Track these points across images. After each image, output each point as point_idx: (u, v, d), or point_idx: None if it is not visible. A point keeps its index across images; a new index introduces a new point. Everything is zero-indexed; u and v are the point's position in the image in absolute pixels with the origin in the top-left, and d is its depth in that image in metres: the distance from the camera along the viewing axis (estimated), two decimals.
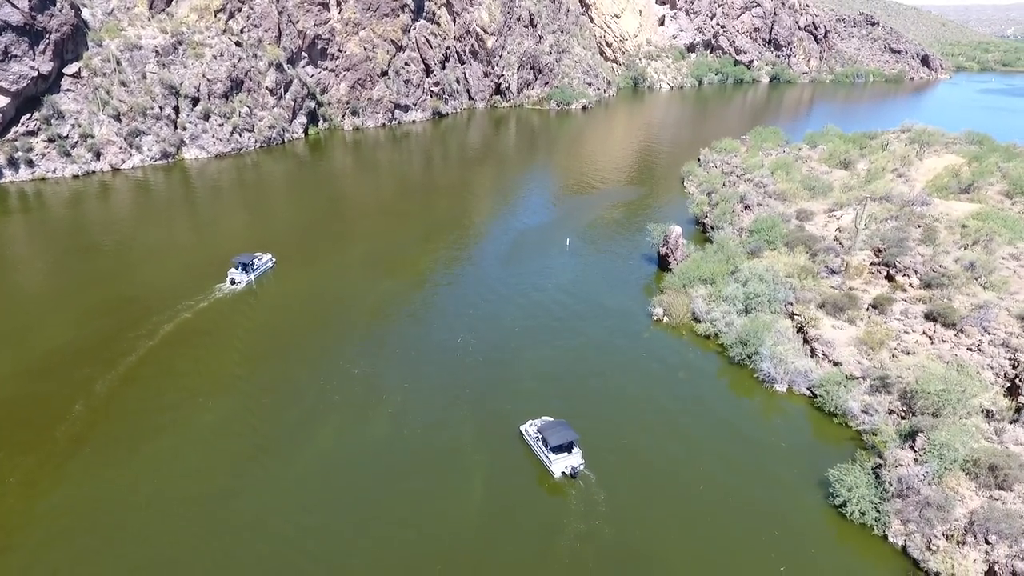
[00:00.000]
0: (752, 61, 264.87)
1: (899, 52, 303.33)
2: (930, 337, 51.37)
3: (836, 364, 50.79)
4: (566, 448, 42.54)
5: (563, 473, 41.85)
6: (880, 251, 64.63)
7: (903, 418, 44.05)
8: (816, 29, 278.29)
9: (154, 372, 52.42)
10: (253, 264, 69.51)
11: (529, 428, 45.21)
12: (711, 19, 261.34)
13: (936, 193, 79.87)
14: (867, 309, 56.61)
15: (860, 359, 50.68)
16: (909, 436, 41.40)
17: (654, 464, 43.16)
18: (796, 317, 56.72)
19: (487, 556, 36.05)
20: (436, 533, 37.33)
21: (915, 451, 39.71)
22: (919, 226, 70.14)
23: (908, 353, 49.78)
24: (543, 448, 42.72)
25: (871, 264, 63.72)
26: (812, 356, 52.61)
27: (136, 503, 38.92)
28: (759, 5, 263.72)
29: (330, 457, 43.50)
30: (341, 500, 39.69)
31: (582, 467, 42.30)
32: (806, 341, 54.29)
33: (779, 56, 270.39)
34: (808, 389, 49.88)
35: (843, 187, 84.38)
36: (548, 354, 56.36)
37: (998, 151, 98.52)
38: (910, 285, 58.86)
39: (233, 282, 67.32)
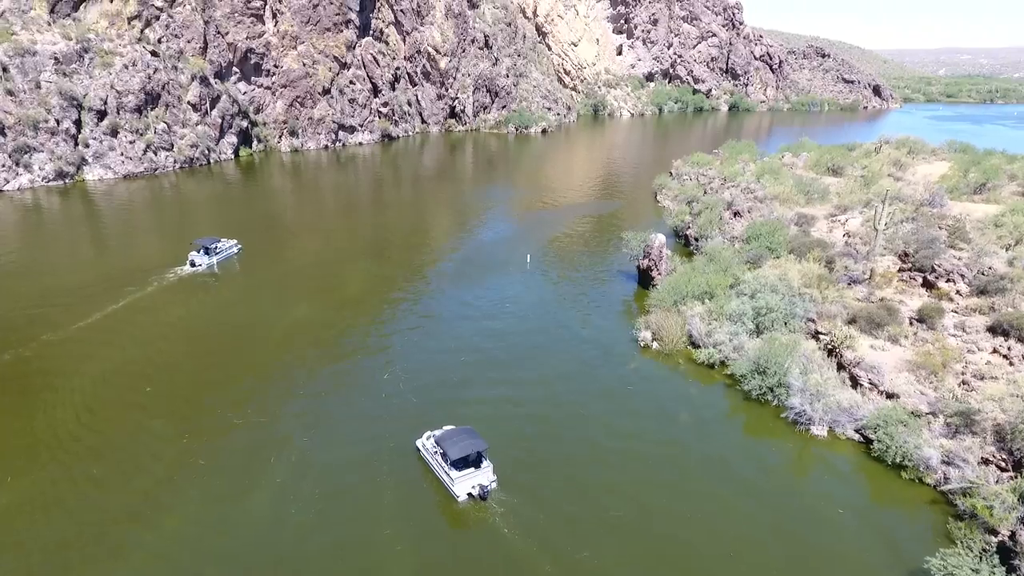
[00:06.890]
0: (711, 89, 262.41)
1: (851, 82, 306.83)
2: (1006, 356, 39.30)
3: (891, 396, 38.04)
4: (473, 462, 31.42)
5: (469, 495, 30.54)
6: (907, 255, 53.27)
7: (1005, 471, 31.39)
8: (771, 59, 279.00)
9: None
10: (216, 248, 66.45)
11: (426, 442, 34.09)
12: (668, 48, 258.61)
13: (947, 195, 69.96)
14: (911, 323, 44.50)
15: (922, 388, 38.07)
16: None
17: (661, 546, 29.19)
18: (823, 336, 44.16)
19: None
20: None
21: None
22: (941, 227, 59.53)
23: (983, 378, 37.56)
24: (443, 464, 31.56)
25: (899, 270, 52.17)
26: (855, 386, 39.85)
27: None
28: (715, 35, 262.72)
29: (178, 556, 28.21)
30: None
31: (494, 485, 31.04)
32: (841, 367, 41.64)
33: (736, 85, 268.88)
34: (857, 431, 36.96)
35: (842, 190, 73.86)
36: (500, 394, 42.19)
37: (994, 156, 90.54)
38: (957, 292, 47.23)
39: (193, 264, 64.39)
